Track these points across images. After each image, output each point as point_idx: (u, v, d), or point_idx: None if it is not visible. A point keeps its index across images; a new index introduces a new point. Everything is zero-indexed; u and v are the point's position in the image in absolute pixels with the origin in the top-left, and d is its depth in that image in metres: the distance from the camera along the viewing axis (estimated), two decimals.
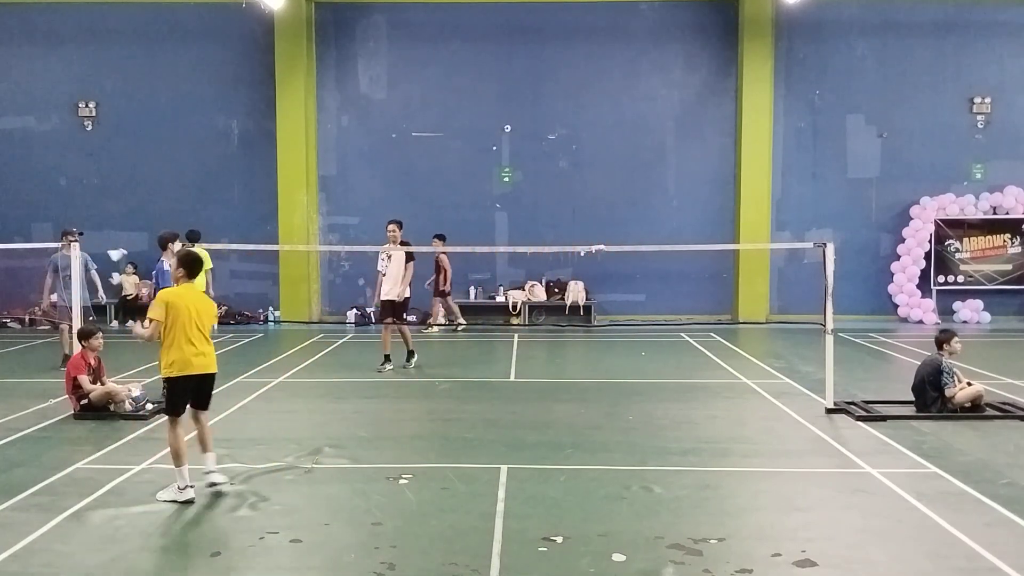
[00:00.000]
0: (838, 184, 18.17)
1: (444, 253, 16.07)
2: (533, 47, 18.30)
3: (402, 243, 12.14)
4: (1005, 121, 17.93)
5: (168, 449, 6.57)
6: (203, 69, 18.37)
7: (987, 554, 5.38)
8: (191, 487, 6.39)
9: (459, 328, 16.76)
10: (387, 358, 12.07)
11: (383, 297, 12.19)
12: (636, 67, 18.25)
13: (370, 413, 9.51)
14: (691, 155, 18.34)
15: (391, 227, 12.16)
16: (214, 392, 6.90)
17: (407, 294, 12.16)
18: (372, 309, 11.83)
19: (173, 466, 6.46)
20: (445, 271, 16.57)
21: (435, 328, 16.49)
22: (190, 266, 6.81)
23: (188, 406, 6.68)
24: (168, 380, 6.59)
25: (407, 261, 12.06)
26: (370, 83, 18.42)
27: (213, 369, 6.75)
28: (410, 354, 12.31)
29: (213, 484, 6.61)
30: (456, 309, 17.05)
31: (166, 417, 6.68)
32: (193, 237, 15.79)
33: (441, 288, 16.64)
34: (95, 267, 12.54)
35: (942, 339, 9.28)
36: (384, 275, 12.21)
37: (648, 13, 18.20)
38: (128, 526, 5.92)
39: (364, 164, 18.51)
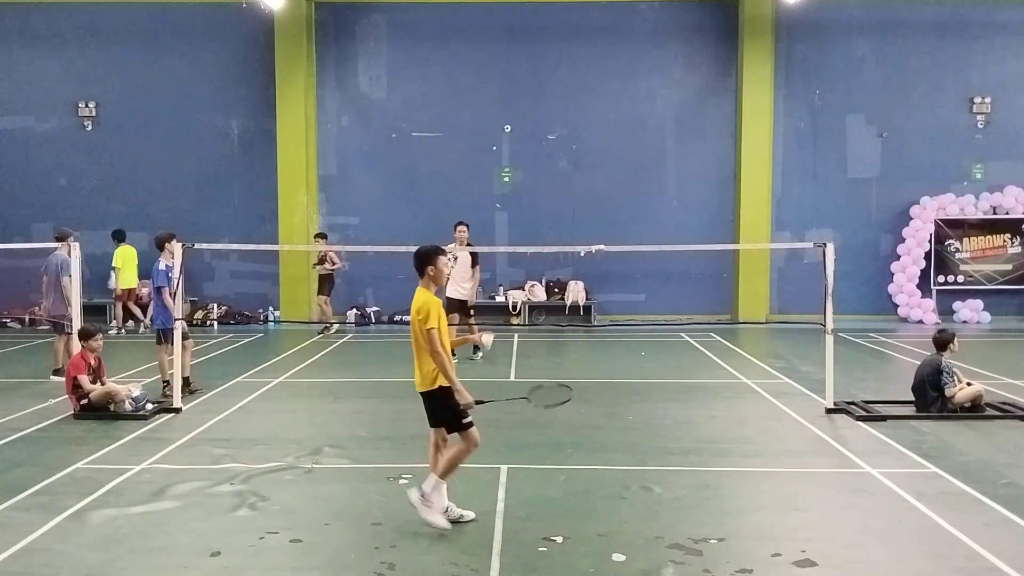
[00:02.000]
0: (838, 184, 18.17)
1: (331, 251, 16.36)
2: (533, 47, 18.29)
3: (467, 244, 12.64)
4: (1005, 121, 17.92)
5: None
6: (203, 69, 18.37)
7: (987, 554, 5.38)
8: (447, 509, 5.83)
9: (332, 331, 16.27)
10: (476, 348, 12.53)
11: (449, 296, 12.52)
12: (636, 67, 18.25)
13: (370, 413, 9.51)
14: (691, 155, 18.34)
15: (461, 228, 12.68)
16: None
17: (469, 295, 12.76)
18: None
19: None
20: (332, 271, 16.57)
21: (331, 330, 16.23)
22: (416, 262, 5.99)
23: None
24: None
25: (473, 264, 12.56)
26: (370, 83, 18.42)
27: (418, 387, 5.91)
28: (475, 349, 12.66)
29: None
30: (329, 312, 16.69)
31: None
32: (119, 236, 16.44)
33: (326, 288, 16.52)
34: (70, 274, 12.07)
35: (945, 339, 9.26)
36: (448, 275, 12.48)
37: (648, 13, 18.20)
38: (128, 526, 5.92)
39: (364, 164, 18.51)
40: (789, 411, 9.45)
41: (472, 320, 13.16)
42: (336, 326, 16.53)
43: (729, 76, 18.19)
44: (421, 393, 5.91)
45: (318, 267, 16.43)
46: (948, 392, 9.02)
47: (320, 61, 18.38)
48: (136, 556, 5.42)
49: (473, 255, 12.60)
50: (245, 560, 5.36)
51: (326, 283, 16.46)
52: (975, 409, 9.10)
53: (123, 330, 16.39)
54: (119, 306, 16.57)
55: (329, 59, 18.42)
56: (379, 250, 17.28)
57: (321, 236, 16.57)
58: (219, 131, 18.49)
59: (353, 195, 18.53)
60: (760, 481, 7.03)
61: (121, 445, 8.05)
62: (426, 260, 5.94)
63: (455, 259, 12.53)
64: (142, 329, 16.32)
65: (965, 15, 17.89)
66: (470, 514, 5.96)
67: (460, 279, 12.67)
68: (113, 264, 16.50)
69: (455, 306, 12.58)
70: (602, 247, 11.98)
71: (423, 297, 5.86)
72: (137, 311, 16.64)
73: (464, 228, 12.78)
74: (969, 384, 9.21)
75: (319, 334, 15.95)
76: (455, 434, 5.89)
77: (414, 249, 6.09)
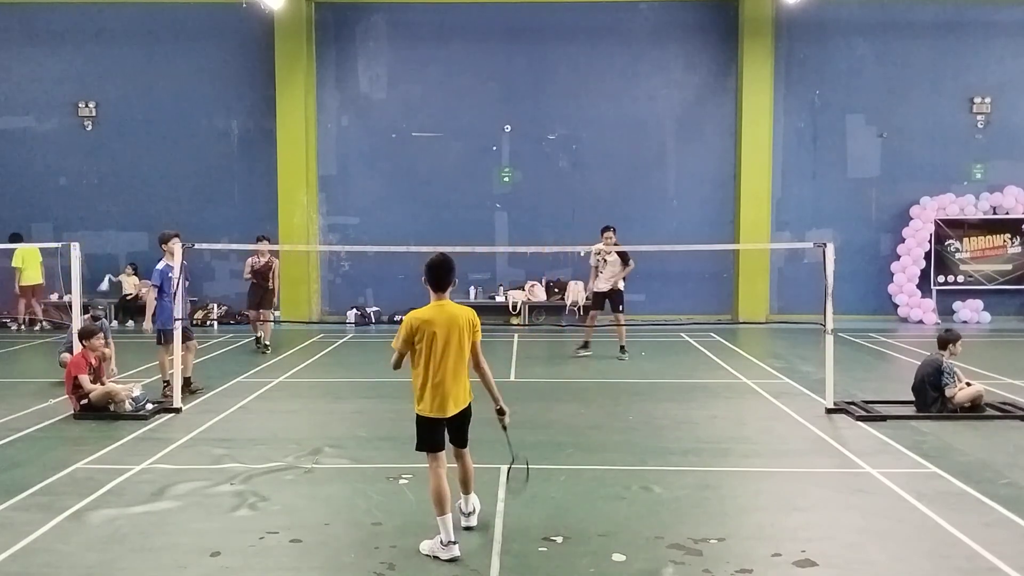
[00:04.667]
0: (838, 184, 18.17)
1: (275, 259, 14.38)
2: (533, 47, 18.29)
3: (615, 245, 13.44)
4: (1005, 121, 17.92)
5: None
6: (203, 69, 18.37)
7: (987, 554, 5.38)
8: (455, 543, 5.36)
9: (267, 350, 14.02)
10: (586, 344, 13.52)
11: (596, 290, 13.60)
12: (636, 67, 18.25)
13: (370, 413, 9.51)
14: (691, 155, 18.34)
15: (608, 233, 13.41)
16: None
17: (620, 287, 13.50)
18: (587, 297, 14.45)
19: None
20: (276, 279, 14.38)
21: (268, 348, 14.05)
22: (429, 273, 5.55)
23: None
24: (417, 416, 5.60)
25: (624, 263, 13.38)
26: (370, 83, 18.42)
27: (462, 405, 5.61)
28: (622, 349, 13.41)
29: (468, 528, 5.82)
30: (268, 330, 14.44)
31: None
32: (16, 238, 16.49)
33: (273, 299, 14.51)
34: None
35: (948, 339, 9.25)
36: (600, 272, 13.54)
37: (648, 13, 18.20)
38: (128, 526, 5.92)
39: (364, 164, 18.51)
40: (789, 411, 9.45)
41: (623, 313, 13.63)
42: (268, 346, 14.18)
43: (729, 76, 18.19)
44: (461, 412, 5.59)
45: (269, 284, 14.18)
46: (948, 392, 9.02)
47: (320, 61, 18.38)
48: (136, 556, 5.42)
49: (622, 255, 13.39)
50: (245, 560, 5.36)
51: (273, 297, 14.47)
52: (975, 409, 9.10)
53: (22, 327, 16.94)
54: (22, 303, 16.91)
55: (329, 59, 18.42)
56: (379, 250, 17.28)
57: (264, 238, 14.43)
58: (219, 131, 18.49)
59: (353, 195, 18.52)
60: (760, 481, 7.03)
61: (121, 445, 8.05)
62: (454, 274, 5.65)
63: (604, 260, 13.45)
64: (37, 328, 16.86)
65: (965, 15, 17.89)
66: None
67: (606, 277, 13.49)
68: (13, 264, 16.70)
69: (600, 299, 13.65)
70: (602, 247, 12.02)
71: (469, 310, 5.65)
72: (38, 309, 16.98)
73: (611, 233, 13.42)
74: (969, 384, 9.21)
75: (263, 351, 13.93)
76: (462, 449, 5.78)
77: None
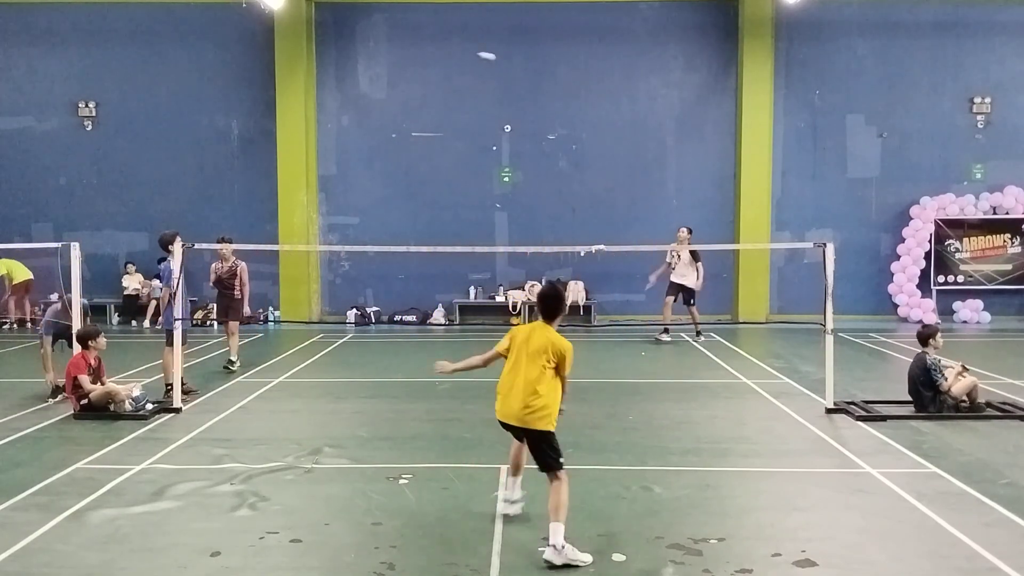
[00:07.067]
0: (838, 184, 18.17)
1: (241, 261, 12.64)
2: (533, 47, 18.30)
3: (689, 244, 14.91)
4: (1005, 121, 17.93)
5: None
6: (203, 69, 18.38)
7: (987, 554, 5.38)
8: (508, 502, 6.02)
9: (233, 367, 12.06)
10: (666, 329, 15.14)
11: (674, 279, 15.22)
12: (636, 67, 18.25)
13: (370, 413, 9.51)
14: (691, 155, 18.35)
15: (682, 230, 15.15)
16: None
17: (694, 285, 15.11)
18: (649, 287, 15.92)
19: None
20: (244, 286, 12.56)
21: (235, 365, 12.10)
22: (538, 303, 5.95)
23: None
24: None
25: (696, 260, 15.09)
26: (370, 83, 18.42)
27: (514, 420, 5.60)
28: (698, 333, 15.32)
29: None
30: (235, 345, 12.36)
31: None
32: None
33: (240, 310, 12.56)
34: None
35: (927, 334, 9.26)
36: (673, 267, 15.21)
37: (648, 13, 18.20)
38: (128, 526, 5.92)
39: (364, 164, 18.51)
40: (789, 411, 9.45)
41: (694, 306, 15.23)
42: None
43: (729, 76, 18.19)
44: (526, 432, 5.62)
45: (236, 292, 12.38)
46: (943, 387, 9.01)
47: (320, 61, 18.38)
48: (136, 556, 5.42)
49: (693, 252, 14.93)
50: (245, 560, 5.36)
51: (240, 307, 12.56)
52: (972, 405, 9.08)
53: (15, 325, 16.83)
54: (12, 301, 16.71)
55: (329, 59, 18.42)
56: (379, 250, 17.28)
57: (227, 240, 12.47)
58: (219, 131, 18.49)
59: (353, 195, 18.52)
60: (760, 481, 7.03)
61: (121, 445, 8.04)
62: (563, 306, 5.87)
63: (679, 256, 15.02)
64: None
65: (965, 15, 17.90)
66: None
67: (680, 273, 15.08)
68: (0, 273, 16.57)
69: (675, 289, 15.18)
70: (602, 247, 11.99)
71: (563, 342, 5.66)
72: (27, 307, 16.77)
73: (684, 230, 15.13)
74: (962, 372, 9.16)
75: (227, 368, 12.01)
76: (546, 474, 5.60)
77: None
